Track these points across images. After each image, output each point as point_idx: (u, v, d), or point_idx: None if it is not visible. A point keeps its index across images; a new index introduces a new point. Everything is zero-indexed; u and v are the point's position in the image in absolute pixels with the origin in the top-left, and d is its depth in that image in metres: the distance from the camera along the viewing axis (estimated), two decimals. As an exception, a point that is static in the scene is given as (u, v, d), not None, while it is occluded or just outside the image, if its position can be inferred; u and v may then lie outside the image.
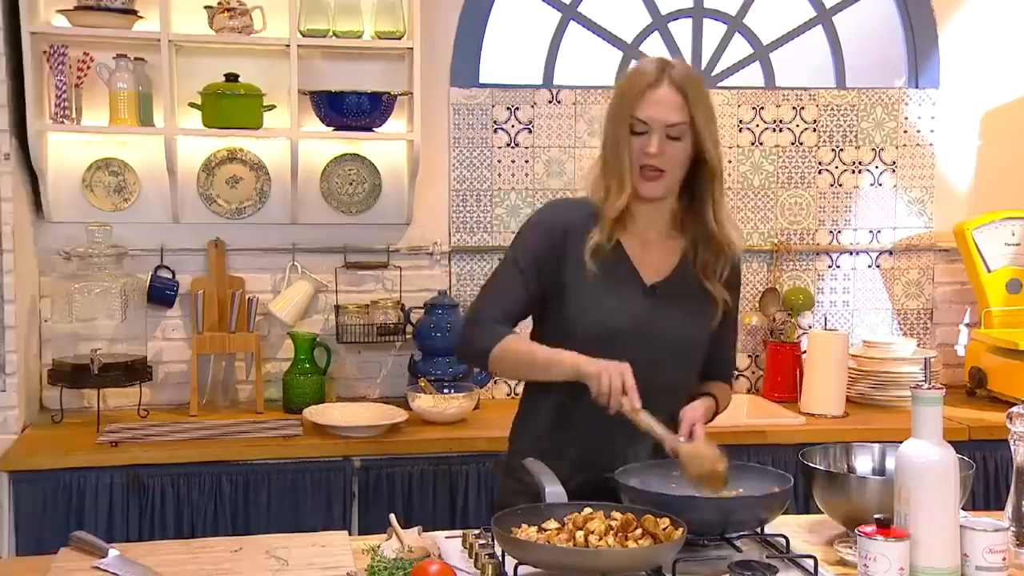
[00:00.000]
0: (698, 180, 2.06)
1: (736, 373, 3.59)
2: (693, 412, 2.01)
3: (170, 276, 3.27)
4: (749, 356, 3.61)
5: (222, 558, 1.84)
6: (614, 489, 1.89)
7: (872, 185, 3.66)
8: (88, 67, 3.15)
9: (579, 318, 2.03)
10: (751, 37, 3.65)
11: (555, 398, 2.08)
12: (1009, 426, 1.89)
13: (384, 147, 3.39)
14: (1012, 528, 1.86)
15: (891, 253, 3.68)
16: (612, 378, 1.88)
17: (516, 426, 2.20)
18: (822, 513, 2.00)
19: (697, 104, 2.00)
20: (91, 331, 3.12)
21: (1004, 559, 1.72)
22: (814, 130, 3.62)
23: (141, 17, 3.12)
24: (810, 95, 3.62)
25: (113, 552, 1.82)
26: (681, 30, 3.61)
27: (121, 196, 3.26)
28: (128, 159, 3.25)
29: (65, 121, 3.09)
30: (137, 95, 3.13)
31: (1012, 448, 1.89)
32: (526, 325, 2.13)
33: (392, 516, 1.96)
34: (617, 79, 2.09)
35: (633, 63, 2.13)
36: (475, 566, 1.77)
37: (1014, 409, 1.89)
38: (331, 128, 3.23)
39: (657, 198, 2.04)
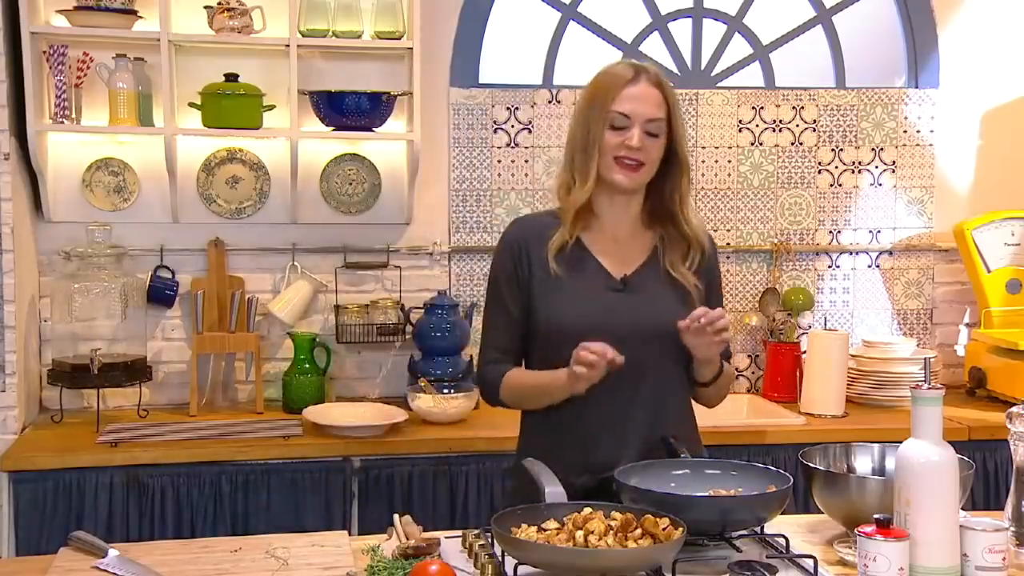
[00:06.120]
0: (668, 178, 2.08)
1: (736, 373, 3.60)
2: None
3: (170, 276, 3.27)
4: (749, 356, 3.61)
5: (221, 558, 1.84)
6: (612, 491, 1.88)
7: (872, 185, 3.66)
8: (88, 67, 3.15)
9: (551, 320, 2.05)
10: (751, 37, 3.65)
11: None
12: (1009, 426, 1.89)
13: (384, 147, 3.39)
14: (1012, 528, 1.86)
15: (891, 253, 3.68)
16: (587, 360, 1.87)
17: (521, 433, 2.20)
18: (822, 513, 2.00)
19: (674, 102, 2.05)
20: (91, 331, 3.12)
21: (1004, 559, 1.71)
22: (814, 130, 3.62)
23: (141, 17, 3.12)
24: (810, 95, 3.62)
25: (113, 552, 1.83)
26: (681, 30, 3.62)
27: (121, 196, 3.26)
28: (128, 159, 3.25)
29: (65, 121, 3.09)
30: (137, 95, 3.13)
31: (1012, 448, 1.89)
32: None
33: (396, 516, 1.96)
34: (588, 82, 2.10)
35: (601, 67, 2.14)
36: (475, 566, 1.77)
37: (1014, 409, 1.89)
38: (331, 128, 3.23)
39: (631, 189, 2.06)
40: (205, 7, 3.14)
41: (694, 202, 3.53)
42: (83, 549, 1.86)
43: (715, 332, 1.95)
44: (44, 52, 3.07)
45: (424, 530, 1.93)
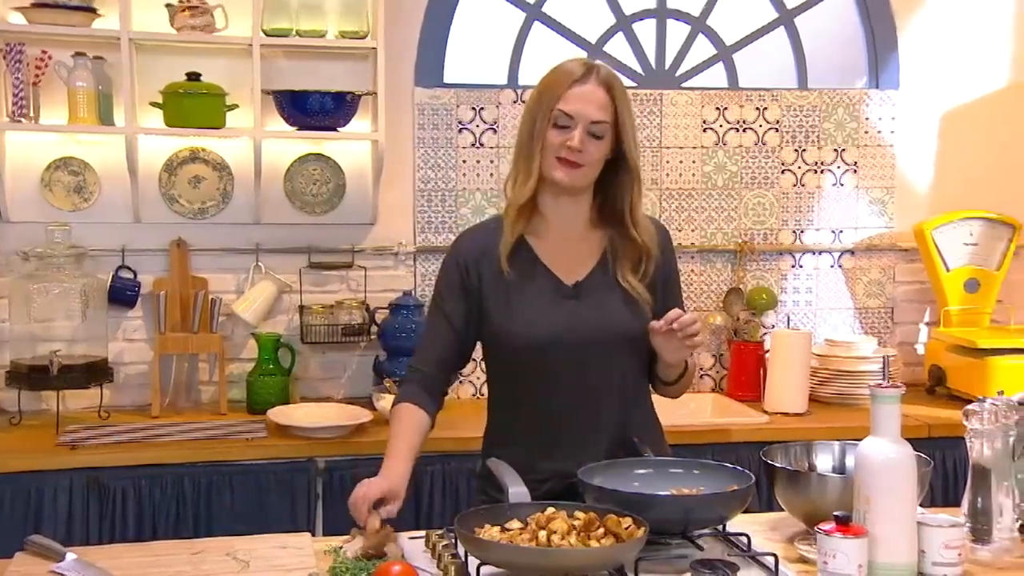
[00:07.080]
0: (616, 180, 2.05)
1: (700, 372, 3.62)
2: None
3: (131, 276, 3.23)
4: (713, 355, 3.63)
5: (182, 560, 1.82)
6: (576, 496, 1.89)
7: (834, 185, 3.69)
8: (46, 65, 3.11)
9: (507, 331, 2.02)
10: (714, 38, 3.67)
11: (508, 412, 2.11)
12: (966, 423, 1.91)
13: (348, 147, 3.37)
14: (968, 524, 1.88)
15: (853, 253, 3.72)
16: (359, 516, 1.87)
17: (485, 436, 2.20)
18: (784, 511, 2.01)
19: (622, 104, 2.00)
20: (50, 332, 3.08)
21: (960, 555, 1.74)
22: (777, 130, 3.65)
23: (100, 15, 3.08)
24: (773, 96, 3.64)
25: (70, 555, 1.80)
26: (645, 31, 3.63)
27: (81, 196, 3.22)
28: (88, 158, 3.21)
29: (23, 120, 3.05)
30: (97, 94, 3.09)
31: (968, 445, 1.92)
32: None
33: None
34: (540, 77, 2.08)
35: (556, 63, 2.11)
36: (438, 567, 1.76)
37: (970, 407, 1.91)
38: (294, 128, 3.21)
39: (569, 187, 2.02)
40: (166, 5, 3.11)
41: (658, 202, 3.57)
42: (40, 553, 1.84)
43: (686, 336, 1.94)
44: (1, 50, 3.03)
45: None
